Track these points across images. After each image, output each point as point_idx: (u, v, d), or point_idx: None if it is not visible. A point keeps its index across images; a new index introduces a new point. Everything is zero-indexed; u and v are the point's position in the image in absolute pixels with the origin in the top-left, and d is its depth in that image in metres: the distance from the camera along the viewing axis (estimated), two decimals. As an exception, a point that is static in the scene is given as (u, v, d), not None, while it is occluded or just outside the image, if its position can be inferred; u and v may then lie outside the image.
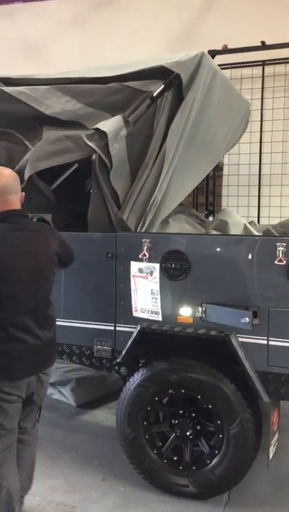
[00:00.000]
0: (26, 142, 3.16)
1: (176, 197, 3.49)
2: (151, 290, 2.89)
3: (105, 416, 4.03)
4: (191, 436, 2.89)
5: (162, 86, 3.05)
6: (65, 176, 3.05)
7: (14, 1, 6.56)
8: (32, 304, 2.35)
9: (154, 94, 3.04)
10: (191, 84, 3.13)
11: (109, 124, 2.96)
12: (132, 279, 2.93)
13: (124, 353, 2.96)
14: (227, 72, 5.51)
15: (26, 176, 2.90)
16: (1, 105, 3.21)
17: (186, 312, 2.83)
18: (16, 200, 2.39)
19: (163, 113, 3.12)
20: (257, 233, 4.15)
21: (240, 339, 2.71)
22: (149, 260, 2.86)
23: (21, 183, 2.95)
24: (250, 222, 4.43)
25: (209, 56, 3.27)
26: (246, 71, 5.42)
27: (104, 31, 6.14)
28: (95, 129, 2.98)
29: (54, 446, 3.50)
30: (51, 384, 4.43)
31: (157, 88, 3.04)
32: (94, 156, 2.90)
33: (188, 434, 2.88)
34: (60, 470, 3.20)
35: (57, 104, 3.13)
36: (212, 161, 4.19)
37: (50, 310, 2.48)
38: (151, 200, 3.11)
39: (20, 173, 2.93)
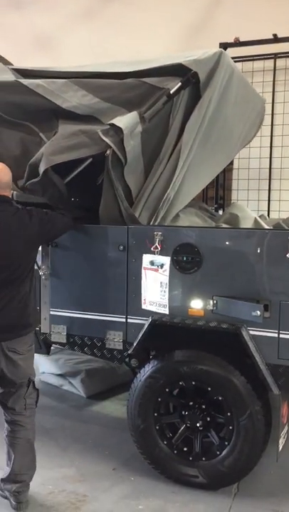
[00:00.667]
0: (41, 134, 3.18)
1: (189, 193, 3.49)
2: (161, 283, 2.91)
3: (115, 407, 4.07)
4: (201, 428, 2.91)
5: (179, 84, 3.04)
6: (78, 170, 3.06)
7: (24, -7, 6.55)
8: None
9: (171, 92, 3.03)
10: (209, 82, 3.12)
11: (125, 120, 2.96)
12: (143, 271, 2.95)
13: (135, 344, 2.99)
14: (238, 65, 5.46)
15: (41, 170, 2.92)
16: (17, 97, 3.22)
17: (197, 305, 2.85)
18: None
19: (179, 110, 3.11)
20: (267, 227, 4.15)
21: (251, 332, 2.73)
22: (161, 253, 2.88)
23: (36, 176, 2.99)
24: (260, 216, 4.43)
25: (227, 54, 3.25)
26: (258, 64, 5.40)
27: (113, 23, 6.12)
28: (110, 124, 2.99)
29: (65, 436, 3.54)
30: (61, 375, 4.48)
31: (174, 85, 3.04)
32: (108, 152, 2.91)
33: (198, 425, 2.90)
34: (71, 460, 3.24)
35: (73, 98, 3.13)
36: (227, 157, 4.19)
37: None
38: (165, 197, 3.12)
39: (35, 166, 2.97)
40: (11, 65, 3.69)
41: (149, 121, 2.99)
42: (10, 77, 3.36)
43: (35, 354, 4.74)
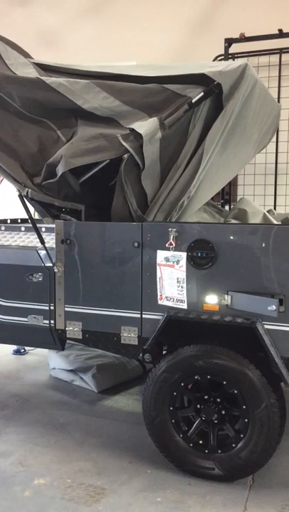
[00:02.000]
0: (58, 132, 3.19)
1: (203, 198, 3.52)
2: (177, 279, 2.94)
3: (126, 401, 4.12)
4: (216, 421, 2.96)
5: (202, 93, 3.05)
6: (94, 171, 3.09)
7: (30, -11, 6.55)
8: None
9: (193, 101, 3.04)
10: (232, 94, 3.12)
11: (146, 127, 2.98)
12: (158, 267, 2.98)
13: (150, 340, 3.02)
14: (244, 61, 5.52)
15: (60, 172, 2.95)
16: (38, 94, 3.21)
17: (212, 300, 2.88)
18: None
19: (199, 118, 3.13)
20: (276, 222, 4.19)
21: (266, 326, 2.77)
22: (176, 249, 2.92)
23: (53, 176, 3.01)
24: (268, 211, 4.47)
25: (251, 67, 3.25)
26: (263, 59, 5.43)
27: (118, 19, 6.14)
28: (130, 129, 3.01)
29: (79, 431, 3.59)
30: (72, 371, 4.52)
31: (196, 94, 3.05)
32: (125, 155, 2.93)
33: (213, 418, 2.95)
34: (87, 453, 3.29)
35: (95, 100, 3.14)
36: (242, 163, 4.24)
37: None
38: (180, 202, 3.15)
39: (53, 166, 2.99)
40: (31, 58, 3.68)
41: (169, 128, 3.01)
42: (32, 71, 3.36)
43: (46, 350, 4.83)
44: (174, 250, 2.92)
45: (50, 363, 4.79)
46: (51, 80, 3.23)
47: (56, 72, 3.45)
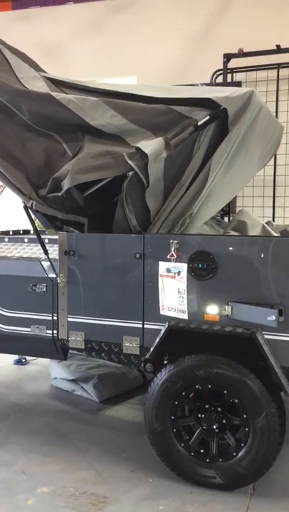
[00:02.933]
0: (65, 145, 3.27)
1: (205, 216, 3.58)
2: (178, 289, 3.00)
3: (128, 411, 4.15)
4: (217, 430, 3.00)
5: (208, 117, 3.12)
6: (98, 186, 3.16)
7: (32, 5, 6.68)
8: None
9: (199, 124, 3.12)
10: (238, 119, 3.18)
11: (151, 146, 3.05)
12: (159, 278, 3.04)
13: (152, 350, 3.07)
14: (242, 75, 5.66)
15: (65, 187, 3.03)
16: (48, 109, 3.28)
17: (212, 310, 2.94)
18: None
19: (204, 140, 3.19)
20: (275, 233, 4.26)
21: (266, 336, 2.82)
22: (177, 260, 2.98)
23: (58, 190, 3.09)
24: (267, 223, 4.53)
25: (257, 93, 3.32)
26: (261, 74, 5.54)
27: (121, 34, 6.27)
28: (136, 148, 3.09)
29: (81, 440, 3.62)
30: (74, 380, 4.56)
31: (202, 116, 3.12)
32: (130, 173, 3.01)
33: (214, 427, 2.99)
34: (89, 462, 3.32)
35: (103, 117, 3.21)
36: (244, 182, 4.33)
37: None
38: (182, 219, 3.21)
39: (59, 180, 3.07)
40: (42, 70, 3.77)
41: (174, 148, 3.08)
42: (42, 85, 3.44)
43: (47, 359, 4.86)
44: (175, 261, 2.98)
45: (51, 372, 4.82)
46: (61, 96, 3.31)
47: (66, 87, 3.53)
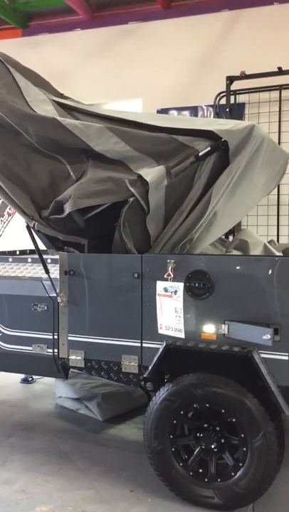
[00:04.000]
0: (68, 167, 3.37)
1: (206, 241, 3.61)
2: (175, 308, 3.04)
3: (131, 430, 4.15)
4: (215, 449, 2.99)
5: (209, 148, 3.19)
6: (99, 209, 3.24)
7: (41, 32, 6.89)
8: None
9: (200, 154, 3.19)
10: (239, 151, 3.24)
11: (153, 175, 3.13)
12: (157, 297, 3.08)
13: (150, 368, 3.10)
14: (245, 97, 5.75)
15: (67, 211, 3.13)
16: (54, 133, 3.39)
17: (209, 329, 2.96)
18: None
19: (205, 170, 3.26)
20: (277, 252, 4.28)
21: (263, 355, 2.83)
22: (174, 280, 3.02)
23: (60, 212, 3.17)
24: (269, 242, 4.57)
25: (259, 127, 3.38)
26: (264, 95, 5.61)
27: (126, 58, 6.43)
28: (138, 175, 3.17)
29: (83, 459, 3.63)
30: (78, 399, 4.58)
31: (203, 147, 3.19)
32: (131, 199, 3.10)
33: (212, 447, 2.99)
34: (90, 481, 3.33)
35: (107, 144, 3.30)
36: (248, 209, 4.37)
37: None
38: (181, 244, 3.27)
39: (61, 203, 3.16)
40: (55, 89, 3.88)
41: (175, 176, 3.15)
42: (50, 109, 3.56)
43: (53, 378, 4.89)
44: (172, 281, 3.02)
45: (56, 391, 4.86)
46: (67, 121, 3.41)
47: (74, 111, 3.64)
